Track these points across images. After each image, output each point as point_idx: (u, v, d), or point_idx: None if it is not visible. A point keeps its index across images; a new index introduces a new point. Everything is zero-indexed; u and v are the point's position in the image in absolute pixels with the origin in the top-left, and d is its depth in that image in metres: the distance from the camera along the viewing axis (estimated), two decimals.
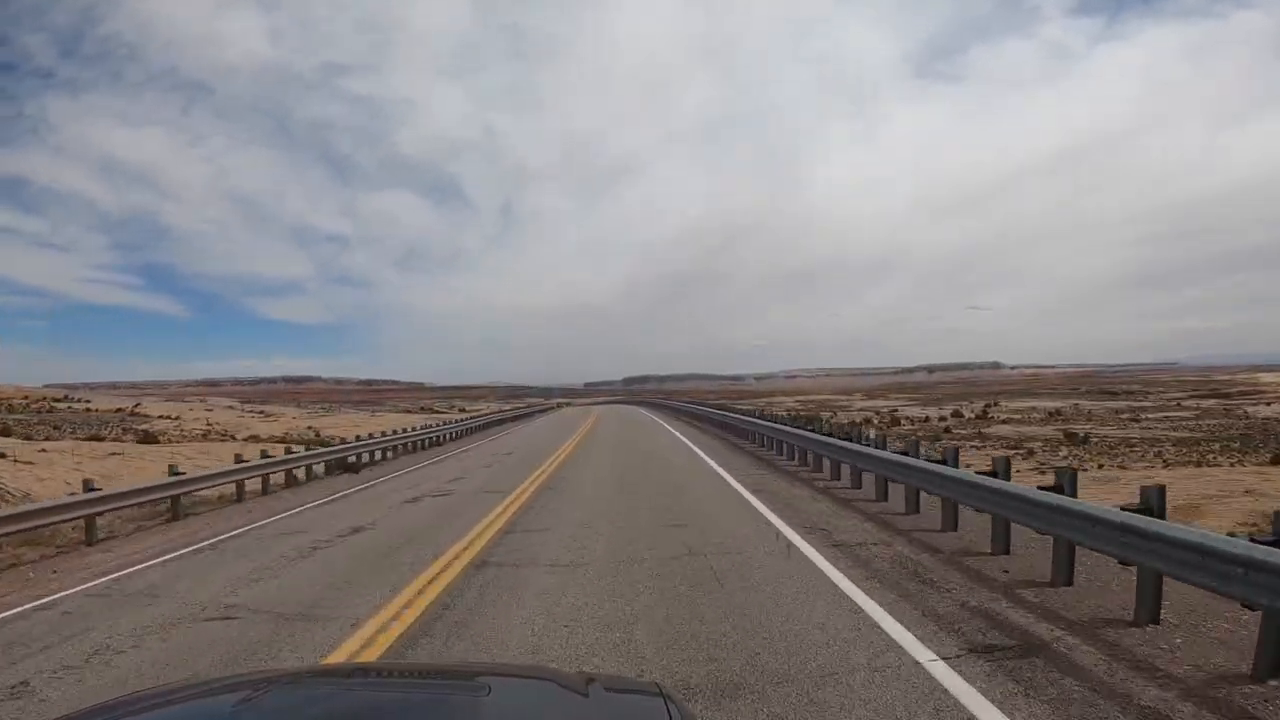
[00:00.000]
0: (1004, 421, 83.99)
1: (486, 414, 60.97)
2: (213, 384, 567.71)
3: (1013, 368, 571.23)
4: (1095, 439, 48.23)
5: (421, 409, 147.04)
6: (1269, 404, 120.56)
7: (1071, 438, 48.90)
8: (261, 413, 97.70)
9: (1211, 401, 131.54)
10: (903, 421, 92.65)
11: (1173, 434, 55.36)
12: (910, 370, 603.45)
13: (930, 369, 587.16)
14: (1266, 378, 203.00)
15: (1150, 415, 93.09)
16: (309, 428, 62.16)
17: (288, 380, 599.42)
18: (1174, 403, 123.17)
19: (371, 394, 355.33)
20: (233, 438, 60.27)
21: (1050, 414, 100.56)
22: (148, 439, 53.16)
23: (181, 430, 65.24)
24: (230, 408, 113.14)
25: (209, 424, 71.87)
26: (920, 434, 61.25)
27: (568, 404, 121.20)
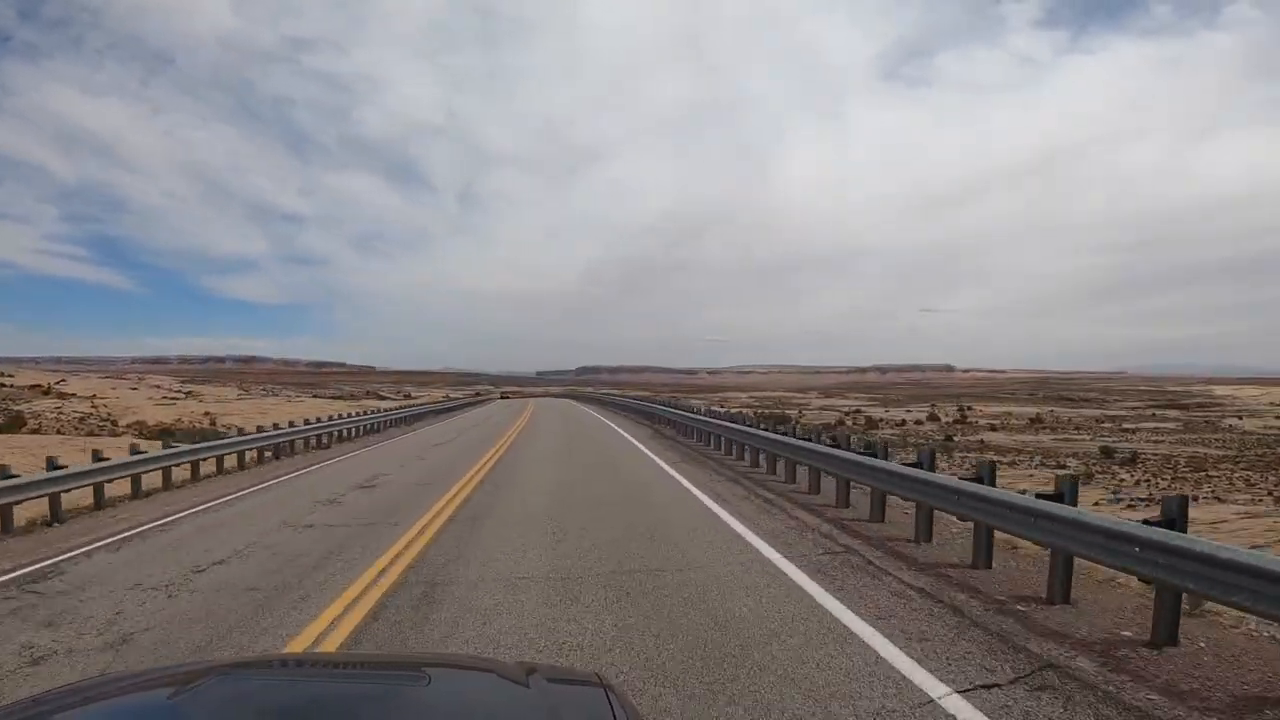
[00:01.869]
0: (991, 429, 78.36)
1: (406, 407, 52.96)
2: (160, 362, 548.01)
3: (964, 370, 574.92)
4: (1141, 457, 41.74)
5: (367, 394, 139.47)
6: (1241, 417, 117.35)
7: (1109, 453, 42.46)
8: (189, 393, 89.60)
9: (1176, 412, 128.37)
10: (880, 424, 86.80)
11: (1208, 451, 49.32)
12: (863, 370, 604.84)
13: (883, 369, 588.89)
14: (1220, 390, 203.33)
15: (1137, 427, 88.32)
16: (206, 414, 53.40)
17: (236, 360, 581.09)
18: (1149, 413, 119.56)
19: (319, 377, 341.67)
20: (114, 425, 52.04)
21: (1031, 420, 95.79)
22: (10, 426, 44.76)
23: (60, 415, 56.25)
24: (158, 387, 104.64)
25: (94, 407, 62.60)
26: (913, 440, 54.70)
27: (501, 397, 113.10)
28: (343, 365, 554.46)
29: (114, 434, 45.03)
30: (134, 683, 2.34)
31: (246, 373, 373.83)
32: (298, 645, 6.45)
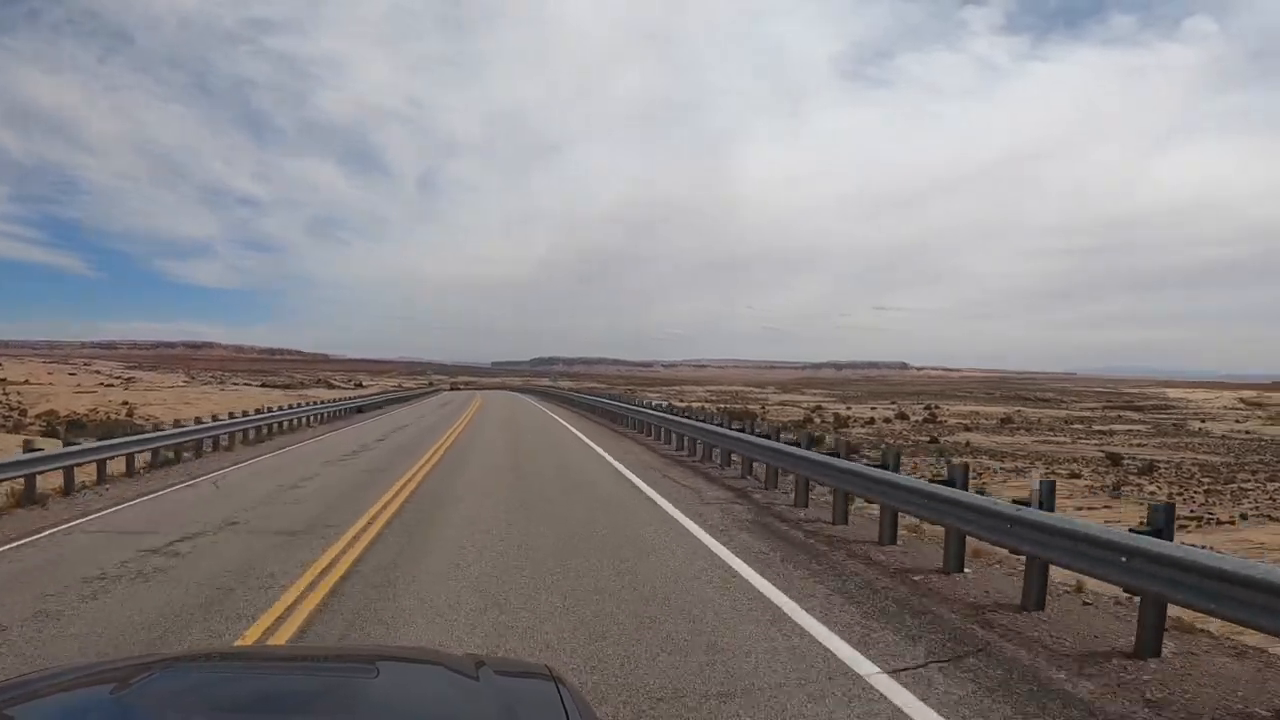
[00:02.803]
0: (965, 429, 75.77)
1: (348, 398, 48.31)
2: (110, 347, 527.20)
3: (919, 369, 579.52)
4: (1150, 465, 38.71)
5: (318, 382, 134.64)
6: (1204, 420, 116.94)
7: (1116, 461, 39.43)
8: (129, 381, 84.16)
9: (1136, 414, 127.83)
10: (849, 423, 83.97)
11: (1207, 458, 46.66)
12: (819, 366, 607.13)
13: (838, 366, 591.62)
14: (1173, 392, 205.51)
15: (1111, 429, 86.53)
16: (124, 404, 48.29)
17: (188, 346, 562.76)
18: (1113, 415, 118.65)
19: (271, 364, 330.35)
20: (22, 414, 46.99)
21: (1002, 420, 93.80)
22: None
23: None
24: (98, 373, 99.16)
25: (4, 394, 57.00)
26: (906, 445, 51.47)
27: (451, 389, 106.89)
28: (296, 353, 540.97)
29: (19, 425, 40.22)
30: (77, 677, 2.20)
31: (197, 359, 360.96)
32: None
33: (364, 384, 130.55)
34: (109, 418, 39.19)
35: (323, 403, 38.06)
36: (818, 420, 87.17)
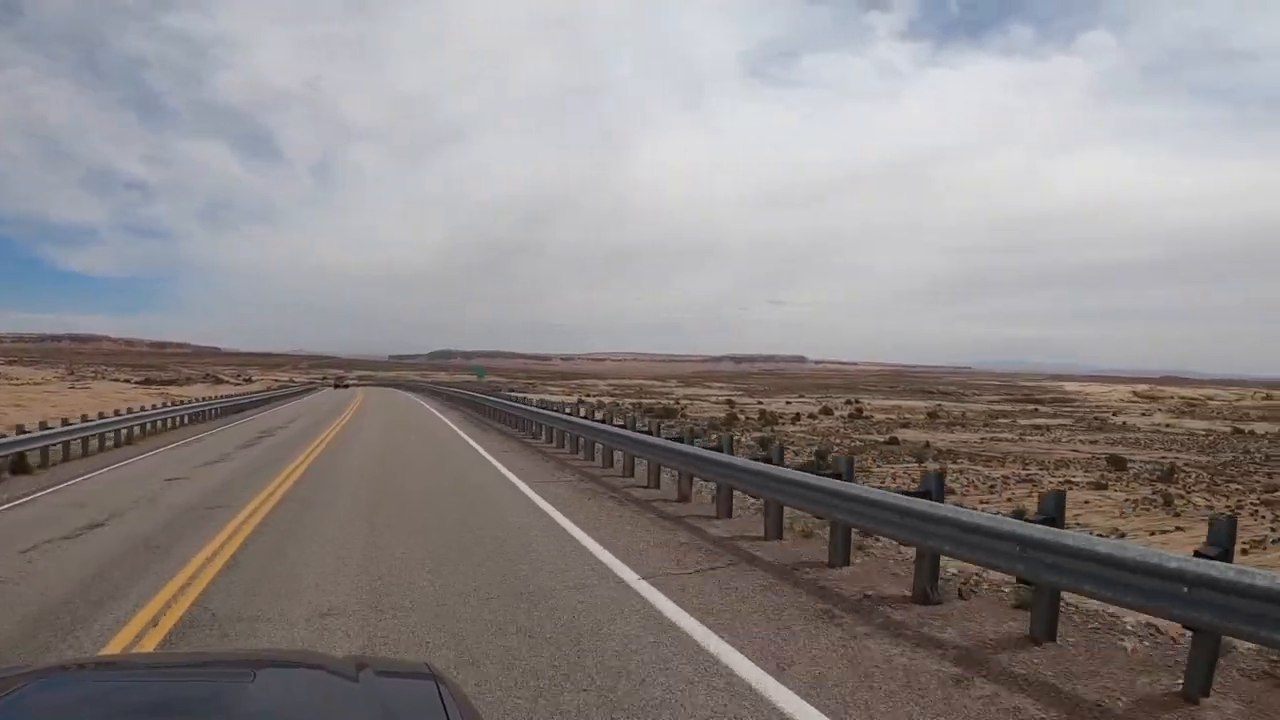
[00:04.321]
0: (903, 425, 71.56)
1: (218, 399, 40.22)
2: None
3: (817, 362, 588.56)
4: (1171, 470, 33.97)
5: (206, 377, 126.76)
6: (1115, 414, 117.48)
7: (1120, 464, 34.67)
8: None
9: (1046, 408, 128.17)
10: (779, 420, 78.92)
11: (1186, 456, 42.65)
12: (717, 359, 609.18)
13: (737, 359, 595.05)
14: (1069, 386, 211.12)
15: (1045, 424, 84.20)
16: None
17: (73, 339, 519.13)
18: (1029, 409, 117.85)
19: (159, 358, 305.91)
20: None
21: (929, 415, 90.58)
22: None
23: None
24: None
25: None
26: (837, 442, 46.18)
27: (335, 386, 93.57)
28: (186, 346, 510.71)
29: None
30: None
31: (83, 353, 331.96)
32: None
33: (252, 379, 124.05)
34: None
35: (183, 406, 30.13)
36: (741, 418, 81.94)
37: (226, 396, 42.50)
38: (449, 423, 29.72)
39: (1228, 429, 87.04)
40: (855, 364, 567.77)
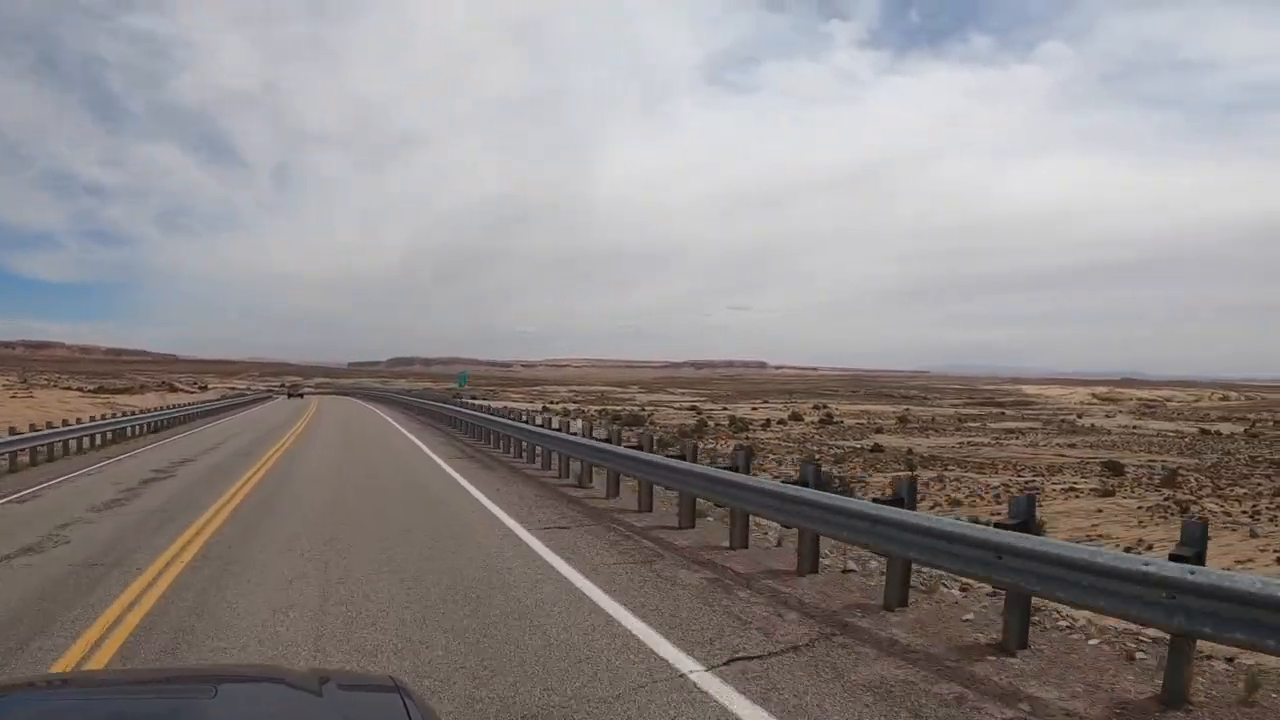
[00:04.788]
0: (877, 430, 70.20)
1: (160, 410, 37.36)
2: None
3: (777, 367, 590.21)
4: (1173, 475, 32.46)
5: (161, 384, 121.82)
6: (1080, 416, 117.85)
7: (1117, 470, 33.14)
8: None
9: (1009, 410, 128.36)
10: (750, 427, 77.07)
11: (1177, 460, 41.39)
12: (678, 365, 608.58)
13: (698, 364, 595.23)
14: (1029, 388, 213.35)
15: (1015, 429, 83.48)
16: None
17: (26, 345, 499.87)
18: (996, 412, 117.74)
19: (115, 366, 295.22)
20: None
21: (899, 420, 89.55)
22: None
23: None
24: None
25: None
26: (816, 450, 44.39)
27: (288, 395, 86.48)
28: (145, 353, 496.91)
29: None
30: None
31: (37, 360, 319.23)
32: None
33: (208, 387, 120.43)
34: None
35: (106, 421, 27.30)
36: (710, 424, 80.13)
37: (174, 406, 39.55)
38: (425, 448, 25.43)
39: (1194, 430, 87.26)
40: (816, 369, 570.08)
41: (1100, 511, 23.79)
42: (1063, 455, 44.18)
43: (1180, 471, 33.41)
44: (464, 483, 15.53)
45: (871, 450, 45.47)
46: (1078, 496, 26.92)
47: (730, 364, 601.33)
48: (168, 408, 38.34)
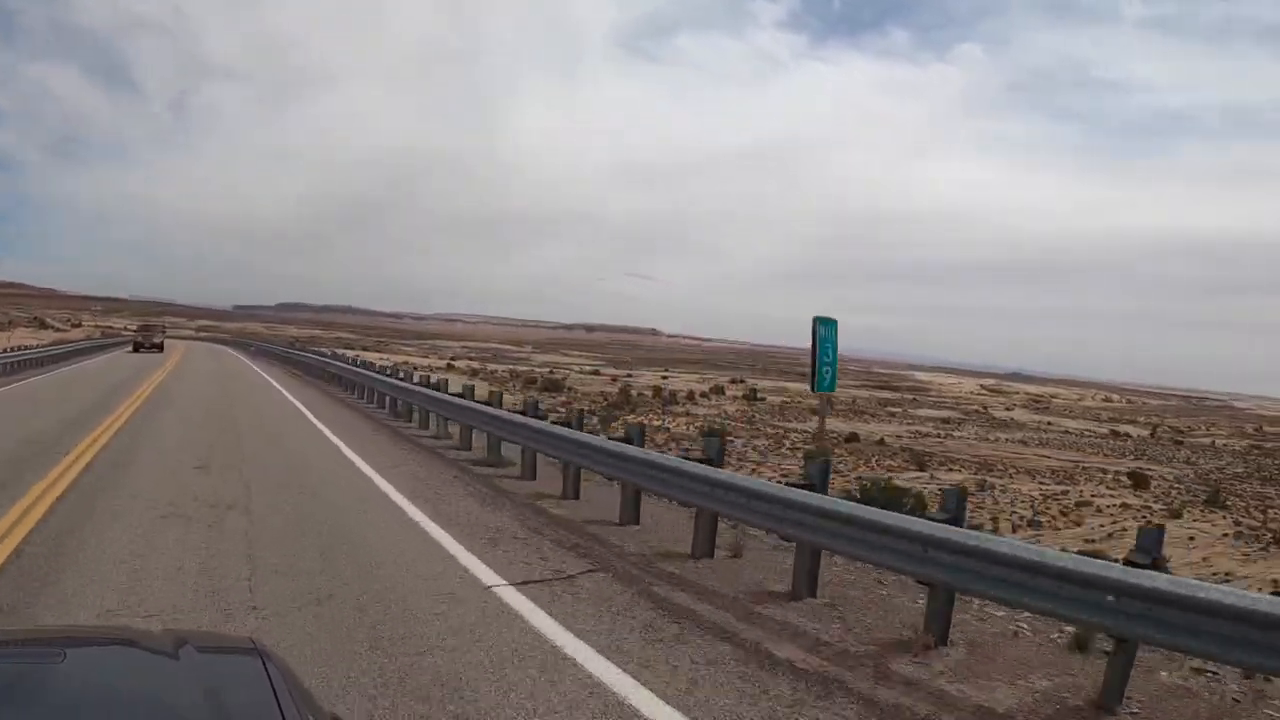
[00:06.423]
0: (813, 412, 67.24)
1: None
2: None
3: (670, 335, 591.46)
4: (1216, 494, 29.75)
5: (31, 320, 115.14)
6: (984, 409, 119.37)
7: (1143, 482, 30.32)
8: None
9: (902, 393, 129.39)
10: (680, 399, 73.11)
11: (1161, 470, 39.36)
12: (569, 326, 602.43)
13: (589, 327, 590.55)
14: (922, 375, 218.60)
15: (945, 423, 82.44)
16: None
17: None
18: (908, 399, 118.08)
19: None
20: None
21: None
22: None
23: None
24: None
25: None
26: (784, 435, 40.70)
27: (135, 347, 50.21)
28: (22, 286, 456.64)
29: None
30: None
31: None
32: None
33: (82, 324, 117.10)
34: None
35: None
36: (634, 395, 75.80)
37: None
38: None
39: (1104, 430, 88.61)
40: (708, 340, 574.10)
41: (1193, 539, 20.55)
42: (1044, 456, 41.77)
43: (1172, 480, 31.05)
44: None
45: (847, 440, 41.90)
46: (1149, 518, 23.81)
47: (622, 329, 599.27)
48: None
